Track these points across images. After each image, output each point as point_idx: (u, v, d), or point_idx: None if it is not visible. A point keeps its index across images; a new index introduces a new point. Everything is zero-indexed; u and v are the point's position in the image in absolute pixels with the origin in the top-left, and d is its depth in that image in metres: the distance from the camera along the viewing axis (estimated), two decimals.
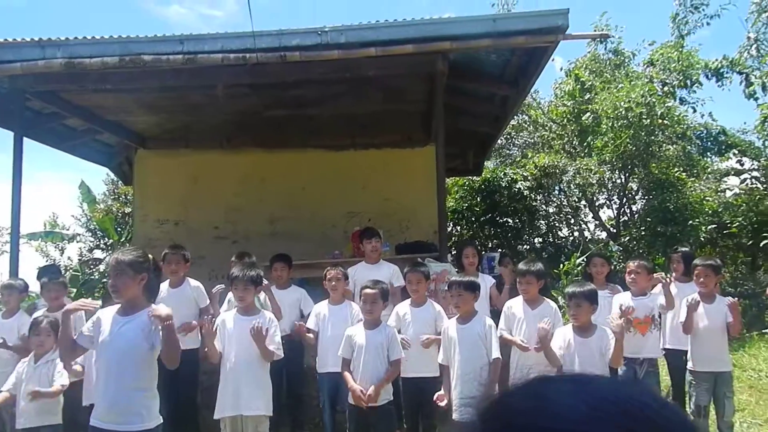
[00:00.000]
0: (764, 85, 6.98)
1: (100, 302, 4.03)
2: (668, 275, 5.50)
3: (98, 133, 9.11)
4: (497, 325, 4.62)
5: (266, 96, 7.38)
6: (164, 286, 5.15)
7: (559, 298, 7.16)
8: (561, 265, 11.40)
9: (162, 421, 3.42)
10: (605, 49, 15.58)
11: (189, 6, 47.74)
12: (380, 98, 7.58)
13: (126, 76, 6.12)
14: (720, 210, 11.49)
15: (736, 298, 5.04)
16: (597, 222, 14.09)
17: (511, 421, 0.56)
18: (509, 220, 13.52)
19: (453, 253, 11.14)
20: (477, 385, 4.01)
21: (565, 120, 14.09)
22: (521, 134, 15.97)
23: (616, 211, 13.41)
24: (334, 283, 5.07)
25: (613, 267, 6.15)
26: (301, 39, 5.62)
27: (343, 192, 9.38)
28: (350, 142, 9.52)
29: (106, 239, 14.60)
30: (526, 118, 15.89)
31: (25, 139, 6.98)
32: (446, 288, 5.01)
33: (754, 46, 7.81)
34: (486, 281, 5.73)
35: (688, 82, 13.70)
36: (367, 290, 4.44)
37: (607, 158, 12.10)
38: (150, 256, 3.58)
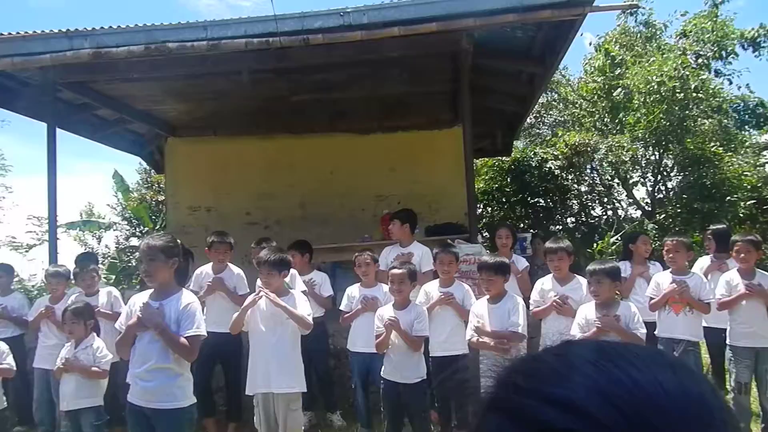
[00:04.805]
0: None
1: None
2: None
3: (129, 122, 9.24)
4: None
5: (291, 81, 7.37)
6: (207, 269, 5.33)
7: None
8: (595, 245, 11.22)
9: (195, 401, 3.49)
10: (635, 21, 15.17)
11: None
12: (405, 79, 7.50)
13: (152, 64, 6.17)
14: (759, 185, 11.16)
15: None
16: (631, 200, 13.79)
17: (517, 383, 0.53)
18: (540, 201, 13.36)
19: (484, 234, 11.12)
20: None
21: (596, 96, 13.76)
22: (551, 112, 15.67)
23: (650, 189, 13.09)
24: (363, 268, 5.17)
25: None
26: (323, 21, 5.58)
27: (372, 175, 9.37)
28: (377, 125, 9.47)
29: (142, 227, 14.83)
30: (556, 95, 15.58)
31: (59, 130, 7.15)
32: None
33: None
34: (520, 264, 5.73)
35: (723, 53, 13.27)
36: (395, 271, 4.48)
37: (640, 135, 11.81)
38: (178, 240, 3.63)
